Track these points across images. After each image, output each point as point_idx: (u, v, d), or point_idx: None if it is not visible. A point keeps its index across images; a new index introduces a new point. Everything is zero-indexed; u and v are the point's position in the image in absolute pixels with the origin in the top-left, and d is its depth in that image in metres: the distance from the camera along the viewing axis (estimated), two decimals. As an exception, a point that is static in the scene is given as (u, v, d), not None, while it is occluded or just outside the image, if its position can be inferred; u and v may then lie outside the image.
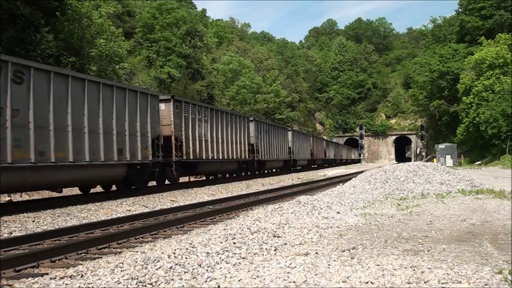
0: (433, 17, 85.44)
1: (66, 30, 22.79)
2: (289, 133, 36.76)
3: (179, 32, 39.26)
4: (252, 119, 28.23)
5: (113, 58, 26.98)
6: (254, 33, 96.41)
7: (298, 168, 40.95)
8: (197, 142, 19.82)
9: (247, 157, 25.78)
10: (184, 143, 18.47)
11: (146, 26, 39.45)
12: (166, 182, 19.00)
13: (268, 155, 30.00)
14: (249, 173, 27.41)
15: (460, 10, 56.88)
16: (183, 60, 38.54)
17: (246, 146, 25.87)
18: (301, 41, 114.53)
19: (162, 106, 17.59)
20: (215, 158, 21.76)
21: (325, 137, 69.50)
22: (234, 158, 24.01)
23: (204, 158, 20.35)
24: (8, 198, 14.12)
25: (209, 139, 21.19)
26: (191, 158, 19.16)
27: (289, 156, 36.25)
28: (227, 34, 66.13)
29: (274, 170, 34.01)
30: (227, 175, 25.60)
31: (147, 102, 16.55)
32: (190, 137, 19.17)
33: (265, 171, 31.75)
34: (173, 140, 17.80)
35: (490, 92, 40.70)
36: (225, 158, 22.94)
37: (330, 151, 57.49)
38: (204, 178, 24.39)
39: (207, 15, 68.30)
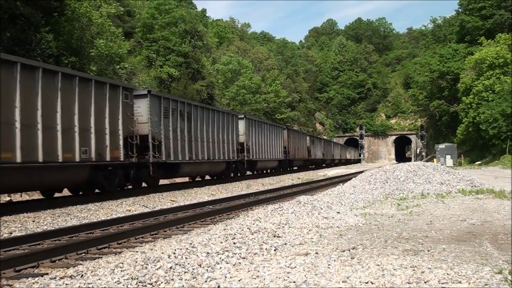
0: (433, 17, 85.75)
1: (66, 30, 22.80)
2: (285, 132, 34.86)
3: (177, 29, 39.22)
4: (242, 116, 26.39)
5: (113, 58, 26.99)
6: (254, 33, 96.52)
7: (294, 168, 39.34)
8: (179, 142, 18.03)
9: (235, 157, 24.01)
10: (163, 143, 16.83)
11: (146, 26, 39.47)
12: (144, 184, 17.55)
13: (259, 155, 28.17)
14: (238, 174, 25.51)
15: (460, 10, 56.92)
16: (183, 58, 38.53)
17: (235, 145, 24.10)
18: (301, 41, 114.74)
19: (139, 102, 16.04)
20: (200, 158, 19.76)
21: (325, 137, 69.49)
22: (222, 158, 22.30)
23: (187, 159, 18.33)
24: (8, 198, 14.11)
25: (193, 138, 19.19)
26: (172, 159, 17.27)
27: (285, 156, 34.39)
28: (227, 34, 66.13)
29: (268, 171, 32.33)
30: (215, 177, 23.45)
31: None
32: (171, 136, 17.46)
33: (256, 172, 29.65)
34: (150, 139, 16.08)
35: (490, 92, 40.70)
36: (211, 158, 21.03)
37: (328, 151, 55.57)
38: (188, 180, 22.93)
39: (207, 15, 68.35)
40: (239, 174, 25.52)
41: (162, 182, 19.41)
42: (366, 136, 78.17)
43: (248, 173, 27.77)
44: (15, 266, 5.24)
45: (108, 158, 13.78)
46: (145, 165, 16.00)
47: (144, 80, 33.79)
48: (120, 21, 37.59)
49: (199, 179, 23.19)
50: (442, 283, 3.79)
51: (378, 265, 4.38)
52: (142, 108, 16.08)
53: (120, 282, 3.98)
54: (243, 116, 26.33)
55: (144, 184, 17.20)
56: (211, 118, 21.41)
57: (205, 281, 4.13)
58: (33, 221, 9.40)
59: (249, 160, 26.20)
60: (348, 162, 71.32)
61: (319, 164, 49.50)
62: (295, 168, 39.60)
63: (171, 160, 17.42)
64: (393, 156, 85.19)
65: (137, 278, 4.06)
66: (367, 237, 5.99)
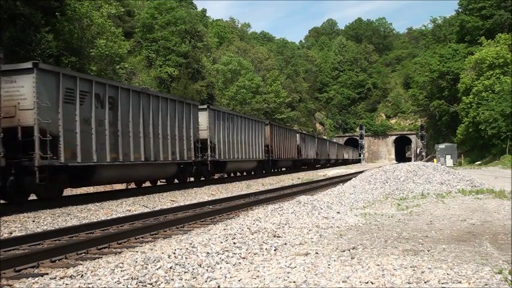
0: (433, 17, 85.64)
1: (66, 30, 22.82)
2: (267, 128, 30.09)
3: (177, 29, 39.22)
4: (204, 107, 21.80)
5: (113, 58, 27.01)
6: (254, 33, 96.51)
7: (281, 170, 35.12)
8: (93, 136, 14.51)
9: (193, 157, 19.61)
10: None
11: (145, 26, 39.48)
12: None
13: (230, 154, 23.80)
14: (202, 178, 21.18)
15: (460, 10, 56.92)
16: (183, 58, 38.54)
17: (192, 142, 19.63)
18: (301, 41, 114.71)
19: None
20: (132, 159, 15.61)
21: (325, 137, 69.41)
22: (171, 159, 17.89)
23: (108, 160, 14.08)
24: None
25: (120, 133, 15.28)
26: (79, 160, 13.90)
27: (266, 156, 29.50)
28: (227, 34, 66.15)
29: (244, 174, 27.88)
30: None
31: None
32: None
33: (227, 175, 26.03)
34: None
35: (490, 92, 40.71)
36: (154, 159, 16.96)
37: (323, 150, 51.23)
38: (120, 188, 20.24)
39: (207, 15, 68.38)
40: (203, 178, 21.18)
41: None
42: (366, 136, 78.18)
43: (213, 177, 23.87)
44: (15, 266, 5.24)
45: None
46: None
47: (144, 80, 33.81)
48: (120, 21, 37.61)
49: (134, 187, 18.66)
50: (442, 283, 3.79)
51: (378, 265, 4.38)
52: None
53: (120, 282, 3.98)
54: (205, 107, 21.76)
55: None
56: (155, 107, 16.91)
57: (205, 281, 4.13)
58: (33, 221, 9.40)
59: (215, 161, 21.67)
60: (345, 162, 69.10)
61: (312, 165, 45.86)
62: (282, 169, 35.80)
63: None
64: (393, 156, 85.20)
65: (137, 278, 4.06)
66: (367, 237, 5.99)
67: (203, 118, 21.12)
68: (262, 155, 28.94)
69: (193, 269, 4.42)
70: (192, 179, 20.56)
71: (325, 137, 68.57)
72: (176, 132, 18.26)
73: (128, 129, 15.18)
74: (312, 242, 5.80)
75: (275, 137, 31.45)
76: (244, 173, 28.08)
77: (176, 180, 19.68)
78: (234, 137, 24.64)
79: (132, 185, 19.09)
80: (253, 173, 28.55)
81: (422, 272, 4.08)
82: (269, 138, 30.08)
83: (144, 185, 18.76)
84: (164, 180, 19.78)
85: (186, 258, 4.72)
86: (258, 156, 28.32)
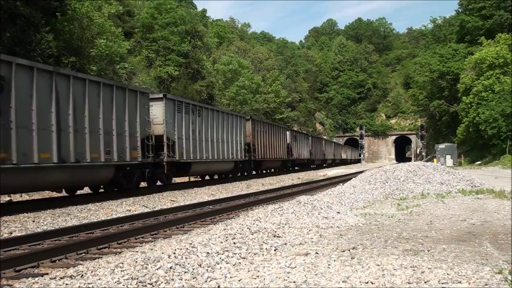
0: (433, 17, 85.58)
1: (67, 30, 22.82)
2: (248, 124, 26.35)
3: (177, 29, 39.23)
4: (159, 96, 17.85)
5: (113, 58, 27.01)
6: (254, 33, 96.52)
7: (269, 171, 32.01)
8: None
9: (139, 158, 15.76)
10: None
11: (145, 26, 39.49)
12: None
13: (194, 154, 19.54)
14: (159, 182, 18.07)
15: (460, 10, 56.92)
16: (183, 58, 38.53)
17: (138, 141, 15.80)
18: (301, 41, 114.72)
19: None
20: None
21: (325, 137, 69.34)
22: (103, 160, 13.87)
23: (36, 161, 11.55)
24: (8, 198, 14.10)
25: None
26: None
27: (247, 156, 25.74)
28: (227, 34, 66.16)
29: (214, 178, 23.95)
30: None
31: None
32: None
33: (188, 180, 22.92)
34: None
35: (490, 92, 40.72)
36: (74, 160, 12.64)
37: (317, 149, 47.29)
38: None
39: (207, 15, 68.36)
40: (160, 183, 18.11)
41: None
42: (366, 136, 78.06)
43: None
44: (15, 266, 5.24)
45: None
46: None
47: (144, 80, 33.82)
48: (120, 21, 37.61)
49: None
50: (442, 283, 3.79)
51: (378, 265, 4.38)
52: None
53: (120, 282, 3.98)
54: (161, 96, 17.79)
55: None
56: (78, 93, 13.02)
57: (205, 281, 4.14)
58: (33, 221, 9.40)
59: (173, 162, 17.85)
60: (343, 162, 66.67)
61: (305, 166, 42.81)
62: (272, 171, 32.65)
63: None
64: (393, 156, 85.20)
65: (137, 278, 4.06)
66: (367, 237, 5.99)
67: (158, 110, 17.30)
68: (242, 155, 24.99)
69: (193, 269, 4.42)
70: (144, 184, 17.27)
71: (324, 137, 68.40)
72: (114, 127, 14.48)
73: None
74: (312, 242, 5.80)
75: (258, 134, 27.74)
76: (218, 176, 24.36)
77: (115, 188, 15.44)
78: (202, 133, 20.47)
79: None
80: (230, 175, 24.68)
81: (422, 272, 4.08)
82: (250, 135, 26.28)
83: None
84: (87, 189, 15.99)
85: (186, 258, 4.72)
86: (236, 156, 24.20)
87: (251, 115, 30.16)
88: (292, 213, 7.31)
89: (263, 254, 5.16)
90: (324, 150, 52.27)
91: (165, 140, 17.17)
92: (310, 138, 45.15)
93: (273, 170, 33.19)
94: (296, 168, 39.86)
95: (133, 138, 15.36)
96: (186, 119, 19.04)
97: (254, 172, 28.51)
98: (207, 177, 24.09)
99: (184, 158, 18.70)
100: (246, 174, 26.60)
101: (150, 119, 16.51)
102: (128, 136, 15.05)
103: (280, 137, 33.04)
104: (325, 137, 68.58)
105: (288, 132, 35.83)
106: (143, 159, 15.95)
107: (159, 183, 18.15)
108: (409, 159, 76.62)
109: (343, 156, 69.62)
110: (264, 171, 31.39)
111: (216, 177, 24.39)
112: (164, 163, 17.23)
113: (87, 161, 13.06)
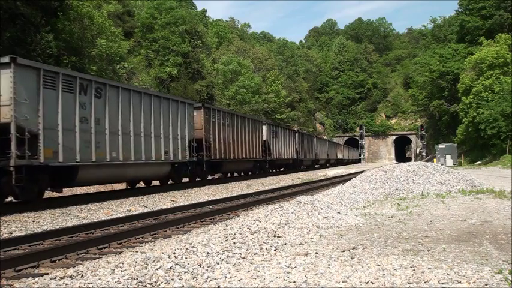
0: (433, 17, 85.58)
1: (67, 30, 22.82)
2: (199, 112, 20.80)
3: (178, 29, 39.22)
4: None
5: (113, 58, 27.02)
6: (254, 33, 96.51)
7: (234, 175, 26.54)
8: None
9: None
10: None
11: (145, 26, 39.49)
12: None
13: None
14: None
15: (460, 10, 56.88)
16: (182, 58, 38.52)
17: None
18: (301, 41, 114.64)
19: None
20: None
21: (325, 137, 69.27)
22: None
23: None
24: (9, 199, 14.07)
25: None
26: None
27: (199, 155, 20.46)
28: (227, 34, 66.15)
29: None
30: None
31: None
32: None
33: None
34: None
35: (489, 92, 40.71)
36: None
37: (307, 148, 43.29)
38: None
39: (207, 15, 68.35)
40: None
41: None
42: (366, 136, 77.98)
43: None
44: (15, 266, 5.24)
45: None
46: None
47: (143, 80, 33.83)
48: (120, 21, 37.61)
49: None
50: (442, 283, 3.79)
51: (378, 265, 4.38)
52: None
53: (120, 282, 3.98)
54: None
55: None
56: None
57: (205, 281, 4.13)
58: (33, 221, 9.40)
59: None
60: (339, 162, 61.80)
61: (291, 167, 36.76)
62: (242, 174, 27.04)
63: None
64: (393, 156, 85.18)
65: (137, 278, 4.06)
66: (367, 237, 5.99)
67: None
68: (185, 155, 19.00)
69: (193, 269, 4.42)
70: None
71: (324, 137, 68.35)
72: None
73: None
74: (312, 242, 5.80)
75: (216, 128, 22.05)
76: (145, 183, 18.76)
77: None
78: (104, 121, 14.73)
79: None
80: (170, 182, 19.02)
81: (422, 272, 4.08)
82: (203, 128, 20.65)
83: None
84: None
85: (186, 258, 4.72)
86: (178, 156, 18.39)
87: (203, 103, 23.04)
88: (292, 213, 7.31)
89: (263, 254, 5.16)
90: (315, 149, 46.65)
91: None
92: (296, 134, 38.74)
93: (242, 173, 27.30)
94: (281, 169, 34.95)
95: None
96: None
97: (210, 177, 23.24)
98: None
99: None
100: (199, 179, 20.73)
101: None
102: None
103: (252, 132, 27.52)
104: (324, 137, 68.44)
105: (264, 127, 30.15)
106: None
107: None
108: (409, 159, 76.59)
109: (340, 156, 64.94)
110: (229, 175, 26.14)
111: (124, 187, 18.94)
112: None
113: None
